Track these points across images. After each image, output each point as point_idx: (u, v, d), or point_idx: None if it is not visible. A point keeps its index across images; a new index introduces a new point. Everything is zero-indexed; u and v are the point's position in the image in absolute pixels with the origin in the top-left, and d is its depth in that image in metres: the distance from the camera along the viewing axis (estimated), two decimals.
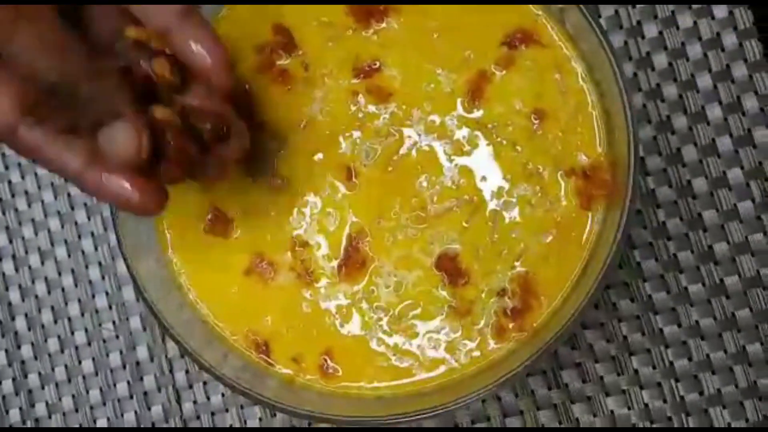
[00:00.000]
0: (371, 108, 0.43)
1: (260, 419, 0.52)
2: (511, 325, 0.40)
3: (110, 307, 0.54)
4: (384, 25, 0.43)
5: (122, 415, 0.53)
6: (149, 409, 0.53)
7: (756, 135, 0.48)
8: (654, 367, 0.48)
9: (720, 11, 0.48)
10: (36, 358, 0.55)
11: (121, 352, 0.54)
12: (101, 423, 0.54)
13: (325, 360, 0.42)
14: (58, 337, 0.55)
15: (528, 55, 0.42)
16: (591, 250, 0.40)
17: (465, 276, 0.41)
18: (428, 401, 0.39)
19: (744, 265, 0.47)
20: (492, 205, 0.41)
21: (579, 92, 0.41)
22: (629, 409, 0.48)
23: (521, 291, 0.40)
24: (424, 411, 0.38)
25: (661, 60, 0.49)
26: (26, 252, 0.56)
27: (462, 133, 0.42)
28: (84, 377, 0.54)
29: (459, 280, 0.41)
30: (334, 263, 0.43)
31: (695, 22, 0.49)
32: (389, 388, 0.42)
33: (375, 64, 0.43)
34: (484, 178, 0.42)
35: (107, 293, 0.55)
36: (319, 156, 0.43)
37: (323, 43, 0.43)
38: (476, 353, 0.41)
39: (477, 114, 0.42)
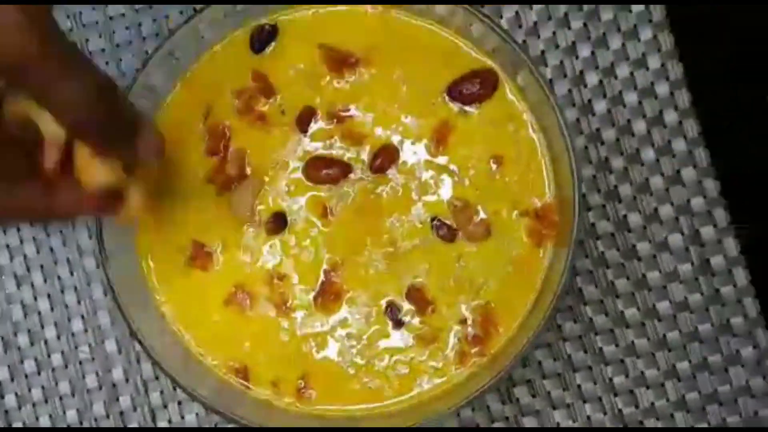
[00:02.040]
0: (345, 151, 0.47)
1: None
2: (473, 351, 0.45)
3: (86, 331, 0.57)
4: (355, 75, 0.47)
5: None
6: (125, 427, 0.56)
7: (683, 174, 0.53)
8: (595, 383, 0.53)
9: (654, 62, 0.54)
10: (12, 379, 0.57)
11: (97, 374, 0.56)
12: None
13: (302, 384, 0.46)
14: (35, 359, 0.57)
15: (486, 106, 0.46)
16: (542, 282, 0.45)
17: (431, 306, 0.45)
18: (397, 421, 0.43)
19: (674, 292, 0.53)
20: (456, 241, 0.46)
21: (530, 142, 0.46)
22: (573, 421, 0.53)
23: (481, 320, 0.45)
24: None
25: (601, 106, 0.54)
26: (2, 276, 0.57)
27: (428, 176, 0.46)
28: (61, 398, 0.56)
29: (426, 309, 0.45)
30: (311, 295, 0.46)
31: (632, 73, 0.54)
32: (361, 411, 0.46)
33: (347, 111, 0.47)
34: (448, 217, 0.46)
35: (83, 317, 0.57)
36: (296, 194, 0.47)
37: (300, 90, 0.47)
38: (441, 377, 0.45)
39: (442, 159, 0.46)
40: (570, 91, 0.55)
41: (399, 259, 0.46)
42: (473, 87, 0.46)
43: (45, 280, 0.57)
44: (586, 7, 0.54)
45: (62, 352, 0.57)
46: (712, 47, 0.54)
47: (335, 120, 0.47)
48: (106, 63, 0.57)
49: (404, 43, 0.46)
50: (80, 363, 0.57)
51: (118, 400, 0.56)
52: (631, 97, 0.54)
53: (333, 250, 0.46)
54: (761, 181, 0.54)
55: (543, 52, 0.55)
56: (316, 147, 0.47)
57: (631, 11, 0.54)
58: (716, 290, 0.53)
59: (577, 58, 0.55)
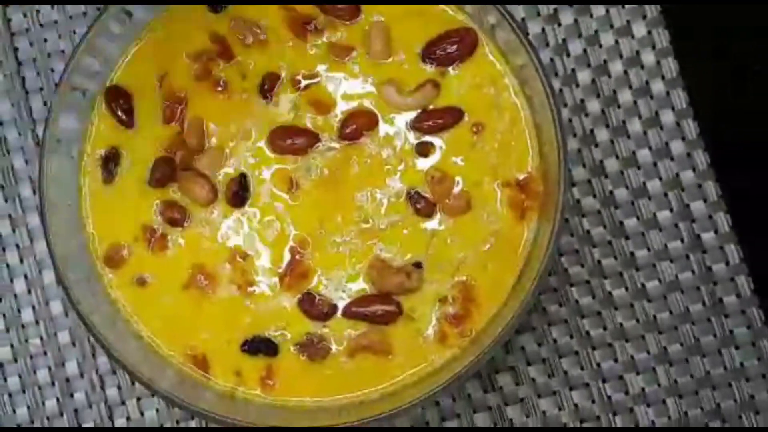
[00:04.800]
0: (313, 119, 0.43)
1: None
2: (455, 331, 0.42)
3: (37, 323, 0.53)
4: (321, 38, 0.43)
5: None
6: (80, 425, 0.52)
7: (672, 146, 0.51)
8: (582, 368, 0.50)
9: (639, 30, 0.51)
10: None
11: (49, 369, 0.52)
12: None
13: (267, 372, 0.42)
14: None
15: (464, 68, 0.43)
16: (526, 258, 0.42)
17: None
18: (368, 410, 0.40)
19: (664, 271, 0.50)
20: (434, 215, 0.42)
21: (512, 107, 0.43)
22: (560, 409, 0.50)
23: (462, 298, 0.42)
24: (366, 419, 0.39)
25: (585, 76, 0.51)
26: None
27: (403, 144, 0.43)
28: (11, 395, 0.52)
29: None
30: (276, 274, 0.43)
31: (617, 41, 0.51)
32: (332, 399, 0.42)
33: (314, 75, 0.44)
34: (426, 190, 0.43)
35: (34, 308, 0.53)
36: (260, 166, 0.43)
37: (261, 54, 0.44)
38: (420, 360, 0.42)
39: (419, 125, 0.43)
40: (552, 60, 0.52)
41: (372, 235, 0.43)
42: (450, 47, 0.42)
43: None
44: None
45: (11, 346, 0.53)
46: (699, 12, 0.52)
47: (301, 85, 0.43)
48: (59, 35, 0.54)
49: (372, 6, 0.43)
50: (31, 357, 0.52)
51: (72, 396, 0.52)
52: (616, 67, 0.51)
53: (300, 227, 0.43)
54: (752, 154, 0.51)
55: (523, 19, 0.52)
56: (281, 114, 0.43)
57: None
58: (708, 268, 0.50)
59: (559, 25, 0.52)
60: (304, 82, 0.44)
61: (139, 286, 0.44)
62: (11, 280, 0.53)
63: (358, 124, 0.43)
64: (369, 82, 0.43)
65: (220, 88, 0.43)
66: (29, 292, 0.53)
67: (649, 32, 0.51)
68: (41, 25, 0.54)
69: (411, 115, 0.43)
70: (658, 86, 0.51)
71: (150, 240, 0.43)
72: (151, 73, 0.44)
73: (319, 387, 0.42)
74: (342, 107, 0.43)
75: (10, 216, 0.53)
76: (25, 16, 0.54)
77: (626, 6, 0.51)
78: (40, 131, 0.53)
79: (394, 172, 0.43)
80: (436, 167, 0.43)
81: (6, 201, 0.53)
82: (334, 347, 0.42)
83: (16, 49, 0.54)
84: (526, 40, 0.40)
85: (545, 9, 0.52)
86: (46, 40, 0.54)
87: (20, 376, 0.52)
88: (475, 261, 0.42)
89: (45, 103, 0.53)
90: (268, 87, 0.43)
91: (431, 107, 0.43)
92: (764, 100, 0.52)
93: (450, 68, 0.43)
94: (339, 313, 0.43)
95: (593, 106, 0.51)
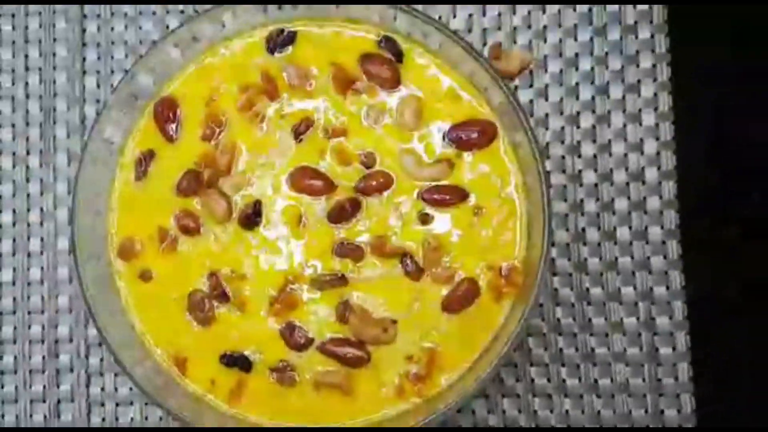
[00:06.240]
0: (333, 167, 0.47)
1: (161, 418, 0.55)
2: (414, 388, 0.46)
3: (42, 282, 0.57)
4: (359, 99, 0.48)
5: (31, 387, 0.56)
6: (58, 387, 0.56)
7: (652, 261, 0.55)
8: None
9: (650, 148, 0.55)
10: None
11: (42, 327, 0.56)
12: (8, 389, 0.56)
13: (237, 385, 0.46)
14: None
15: (479, 156, 0.47)
16: (492, 337, 0.46)
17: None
18: None
19: (618, 372, 0.54)
20: (420, 280, 0.47)
21: (512, 202, 0.47)
22: None
23: (427, 360, 0.46)
24: None
25: (589, 178, 0.55)
26: None
27: (411, 211, 0.47)
28: (2, 342, 0.56)
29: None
30: (267, 299, 0.47)
31: (626, 155, 0.55)
32: (289, 426, 0.46)
33: (343, 130, 0.48)
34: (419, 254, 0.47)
35: (42, 268, 0.57)
36: (276, 197, 0.48)
37: (302, 99, 0.48)
38: (377, 408, 0.46)
39: (428, 196, 0.47)
40: (564, 158, 0.56)
41: (361, 285, 0.47)
42: (472, 134, 0.47)
43: (14, 225, 0.57)
44: (597, 81, 0.56)
45: (14, 299, 0.57)
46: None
47: (330, 136, 0.48)
48: (125, 26, 0.58)
49: (412, 82, 0.47)
50: (29, 313, 0.56)
51: (57, 357, 0.56)
52: (620, 178, 0.55)
53: (298, 261, 0.47)
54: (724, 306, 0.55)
55: (547, 115, 0.56)
56: (307, 156, 0.48)
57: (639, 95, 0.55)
58: (658, 380, 0.54)
59: (578, 128, 0.56)
60: (333, 133, 0.48)
61: (143, 281, 0.48)
62: (28, 239, 0.57)
63: (376, 183, 0.47)
64: (392, 148, 0.47)
65: (259, 121, 0.48)
66: (41, 253, 0.57)
67: (658, 153, 0.55)
68: (111, 13, 0.58)
69: (423, 185, 0.47)
70: (653, 203, 0.55)
71: (162, 241, 0.47)
72: (202, 94, 0.48)
73: (280, 411, 0.46)
74: (362, 164, 0.47)
75: (42, 209, 0.57)
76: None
77: (643, 124, 0.55)
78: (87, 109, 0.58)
79: (394, 232, 0.47)
80: (433, 236, 0.47)
81: (41, 166, 0.57)
82: (302, 377, 0.46)
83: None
84: (536, 144, 0.44)
85: (568, 109, 0.56)
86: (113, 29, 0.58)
87: (15, 328, 0.56)
88: (447, 330, 0.46)
89: (98, 101, 0.57)
90: (301, 129, 0.47)
91: (442, 182, 0.47)
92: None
93: (466, 153, 0.47)
94: (314, 348, 0.47)
95: (590, 207, 0.55)
